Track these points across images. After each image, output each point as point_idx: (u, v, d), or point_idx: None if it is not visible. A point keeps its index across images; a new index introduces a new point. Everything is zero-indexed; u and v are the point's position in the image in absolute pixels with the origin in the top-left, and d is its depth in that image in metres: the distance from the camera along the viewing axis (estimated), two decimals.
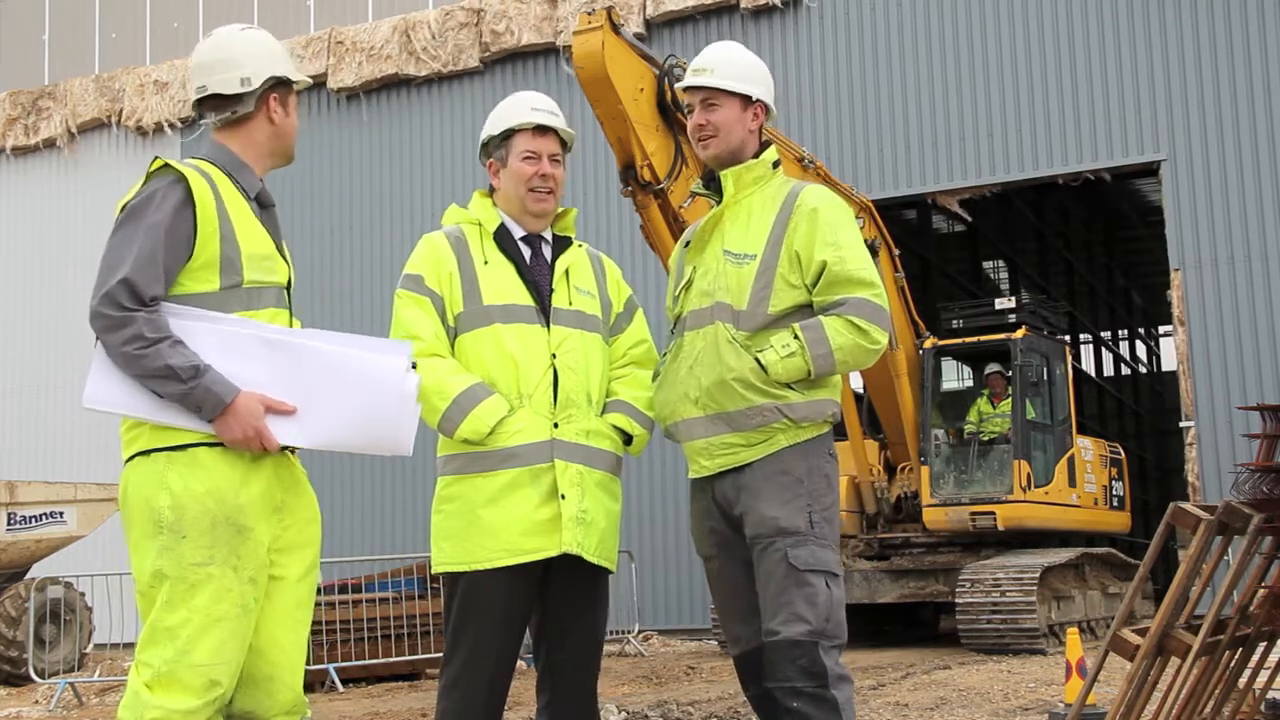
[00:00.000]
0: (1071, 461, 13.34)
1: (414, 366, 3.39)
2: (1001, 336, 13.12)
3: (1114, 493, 14.48)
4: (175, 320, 3.13)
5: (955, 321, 13.83)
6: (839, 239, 3.59)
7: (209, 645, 3.08)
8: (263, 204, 3.38)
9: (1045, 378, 13.25)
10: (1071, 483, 13.28)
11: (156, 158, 3.27)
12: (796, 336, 3.56)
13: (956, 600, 11.54)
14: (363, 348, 3.32)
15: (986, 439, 12.97)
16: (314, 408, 3.21)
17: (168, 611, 3.08)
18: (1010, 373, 12.95)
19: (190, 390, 3.07)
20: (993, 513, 12.23)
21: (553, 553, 3.50)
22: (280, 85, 3.39)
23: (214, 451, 3.15)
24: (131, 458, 3.20)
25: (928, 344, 12.95)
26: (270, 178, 3.48)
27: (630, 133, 8.75)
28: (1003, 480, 12.56)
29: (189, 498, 3.11)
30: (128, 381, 3.10)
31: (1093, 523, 13.86)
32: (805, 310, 3.63)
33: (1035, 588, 11.21)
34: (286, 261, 3.39)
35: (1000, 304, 13.97)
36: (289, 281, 3.39)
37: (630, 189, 9.14)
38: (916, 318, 12.98)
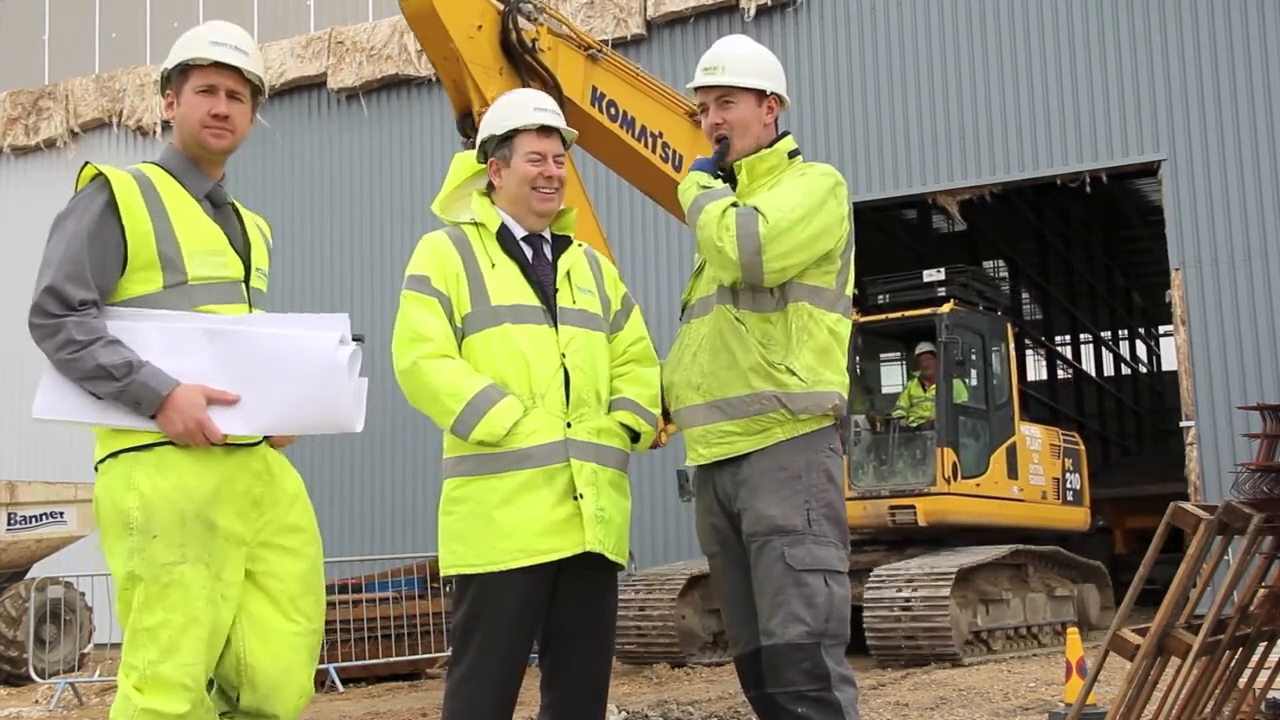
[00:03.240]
0: (1012, 450, 12.06)
1: (359, 340, 3.35)
2: (926, 312, 11.91)
3: (1068, 486, 13.15)
4: (121, 322, 3.13)
5: (881, 297, 12.54)
6: (779, 193, 3.58)
7: (190, 644, 3.07)
8: (215, 203, 3.36)
9: (981, 357, 12.02)
10: (1012, 474, 11.98)
11: (86, 163, 3.26)
12: (710, 185, 3.64)
13: (863, 605, 9.93)
14: (297, 326, 3.29)
15: (914, 425, 11.71)
16: (255, 394, 3.18)
17: (145, 613, 3.07)
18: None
19: (125, 387, 3.07)
20: (912, 506, 10.95)
21: (568, 552, 3.49)
22: (181, 74, 3.36)
23: (180, 449, 3.13)
24: (100, 462, 3.20)
25: None
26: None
27: (466, 76, 7.76)
28: (925, 471, 11.26)
29: (158, 496, 3.10)
30: (74, 389, 3.10)
31: (1041, 519, 12.56)
32: (807, 288, 3.58)
33: (949, 591, 9.93)
34: (242, 256, 3.35)
35: (928, 276, 12.44)
36: (247, 276, 3.35)
37: (470, 140, 7.99)
38: None
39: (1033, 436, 12.73)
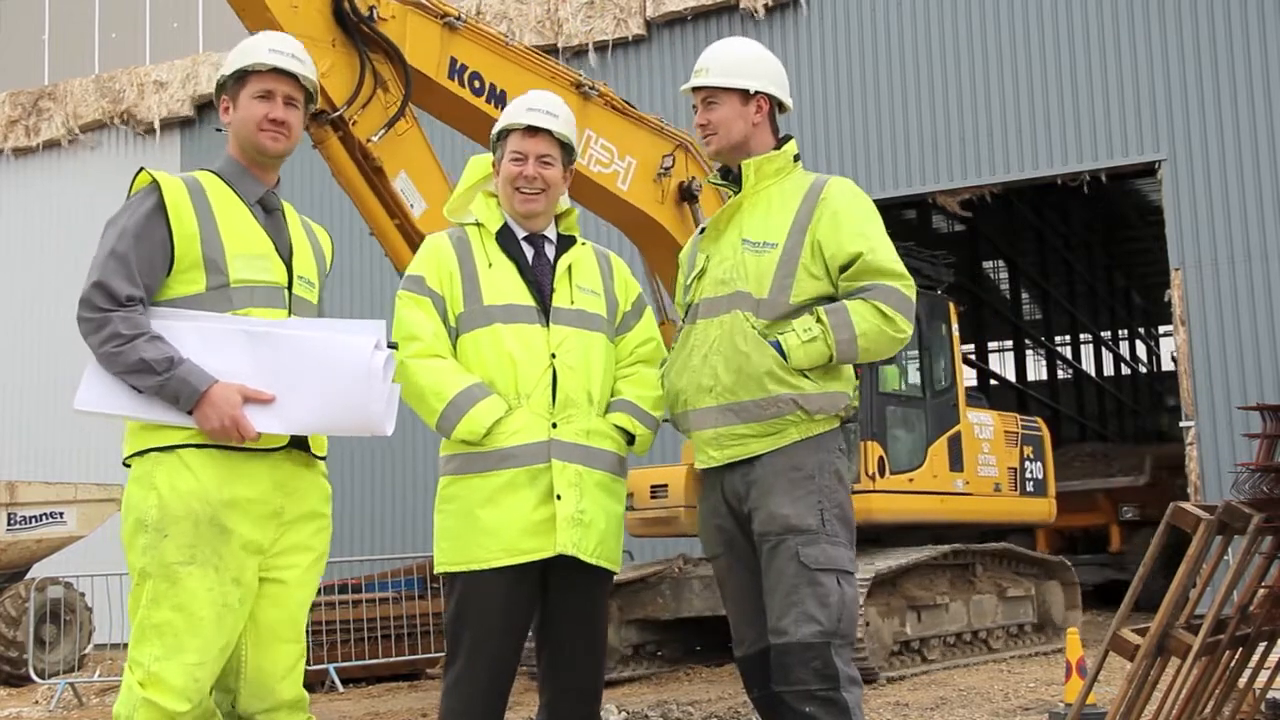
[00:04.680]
0: (956, 440, 10.99)
1: (392, 346, 3.42)
2: None
3: (1028, 475, 12.03)
4: (161, 321, 3.21)
5: None
6: (868, 230, 3.61)
7: (194, 644, 3.13)
8: (267, 208, 3.44)
9: (917, 340, 10.91)
10: (956, 466, 10.91)
11: (141, 169, 3.34)
12: (820, 320, 3.55)
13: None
14: (333, 330, 3.36)
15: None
16: (291, 395, 3.25)
17: (153, 609, 3.14)
18: None
19: (165, 381, 3.13)
20: None
21: (549, 553, 3.50)
22: (238, 80, 3.44)
23: (201, 453, 3.20)
24: (129, 459, 3.27)
25: None
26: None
27: None
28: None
29: (174, 497, 3.16)
30: (116, 383, 3.17)
31: (994, 512, 11.42)
32: (826, 301, 3.62)
33: (863, 599, 8.70)
34: (286, 263, 3.42)
35: None
36: (290, 282, 3.41)
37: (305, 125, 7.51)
38: None
39: (983, 424, 11.61)
